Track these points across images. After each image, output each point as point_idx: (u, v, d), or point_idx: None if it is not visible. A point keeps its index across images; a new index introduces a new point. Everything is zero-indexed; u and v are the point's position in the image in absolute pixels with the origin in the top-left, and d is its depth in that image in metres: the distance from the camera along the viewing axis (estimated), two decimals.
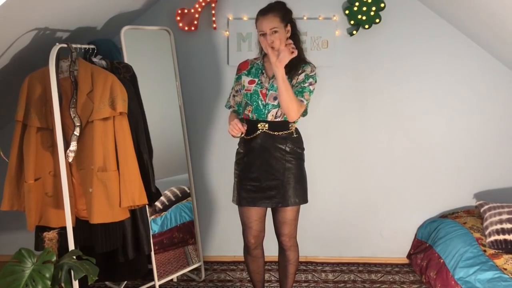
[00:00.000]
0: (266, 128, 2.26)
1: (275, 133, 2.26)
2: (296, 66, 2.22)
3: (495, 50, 3.01)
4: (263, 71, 2.30)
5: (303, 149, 2.36)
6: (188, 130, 3.09)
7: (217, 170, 3.30)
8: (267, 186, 2.28)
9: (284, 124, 2.26)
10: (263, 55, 2.33)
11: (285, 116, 2.23)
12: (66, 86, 2.28)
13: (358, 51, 3.10)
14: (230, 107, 2.48)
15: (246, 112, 2.31)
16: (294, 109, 2.15)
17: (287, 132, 2.27)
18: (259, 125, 2.26)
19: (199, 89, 3.16)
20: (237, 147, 2.40)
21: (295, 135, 2.30)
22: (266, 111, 2.24)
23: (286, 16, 2.20)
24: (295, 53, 2.12)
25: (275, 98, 2.22)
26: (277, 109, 2.23)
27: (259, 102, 2.26)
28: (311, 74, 2.23)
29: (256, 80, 2.29)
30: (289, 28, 2.21)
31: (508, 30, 2.60)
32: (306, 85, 2.22)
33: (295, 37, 2.24)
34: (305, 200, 2.35)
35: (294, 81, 2.22)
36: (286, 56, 2.08)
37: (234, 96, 2.42)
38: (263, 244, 2.48)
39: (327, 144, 3.22)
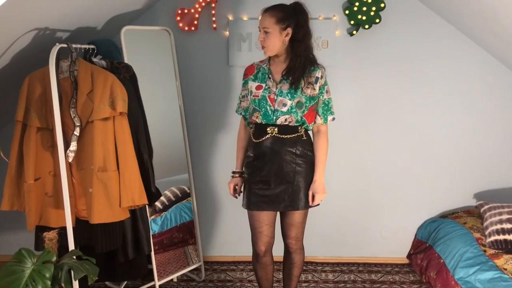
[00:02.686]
0: (276, 132, 2.22)
1: (285, 136, 2.22)
2: (304, 69, 2.18)
3: (495, 50, 3.01)
4: (270, 75, 2.25)
5: (313, 151, 2.30)
6: (188, 130, 3.08)
7: (217, 170, 3.30)
8: (277, 189, 2.24)
9: (294, 127, 2.22)
10: (269, 58, 2.29)
11: (295, 120, 2.21)
12: (66, 86, 2.28)
13: (358, 51, 3.10)
14: (241, 113, 2.40)
15: (253, 118, 2.26)
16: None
17: (297, 134, 2.23)
18: (268, 129, 2.22)
19: (199, 89, 3.16)
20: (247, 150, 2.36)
21: (304, 138, 2.26)
22: (275, 117, 2.20)
23: (285, 19, 2.12)
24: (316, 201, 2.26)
25: (284, 105, 2.18)
26: (287, 115, 2.19)
27: (268, 108, 2.20)
28: (324, 82, 2.22)
29: (264, 85, 2.24)
30: (288, 31, 2.14)
31: (508, 29, 2.60)
32: (326, 97, 2.24)
33: (301, 43, 2.16)
34: (317, 204, 2.32)
35: (309, 91, 2.18)
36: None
37: (242, 101, 2.38)
38: (272, 252, 2.41)
39: None
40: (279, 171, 2.23)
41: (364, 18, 2.96)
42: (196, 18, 3.01)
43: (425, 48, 3.08)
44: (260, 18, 2.19)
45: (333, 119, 2.28)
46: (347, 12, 2.99)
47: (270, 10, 2.15)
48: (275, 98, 2.20)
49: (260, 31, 2.18)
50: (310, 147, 2.29)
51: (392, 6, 3.00)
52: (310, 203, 2.26)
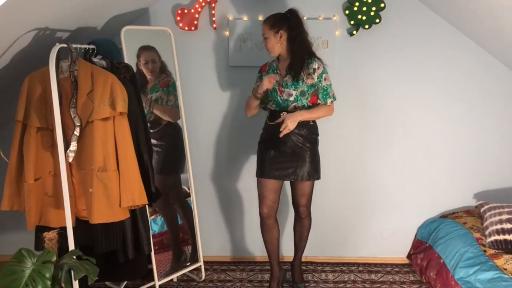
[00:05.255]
0: None
1: None
2: (302, 62, 2.58)
3: (495, 50, 3.01)
4: (277, 71, 2.69)
5: (317, 134, 2.74)
6: (188, 130, 3.08)
7: (217, 170, 3.30)
8: (285, 164, 2.65)
9: None
10: (277, 58, 2.70)
11: (302, 106, 2.62)
12: (66, 86, 2.28)
13: (358, 51, 3.10)
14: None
15: (268, 106, 2.72)
16: (329, 114, 2.69)
17: (305, 120, 2.61)
18: (281, 114, 2.61)
19: (199, 89, 3.16)
20: (262, 130, 2.79)
21: (311, 123, 2.68)
22: (286, 105, 2.63)
23: (277, 24, 2.56)
24: (290, 126, 2.53)
25: (290, 95, 2.61)
26: (295, 103, 2.62)
27: (278, 98, 2.64)
28: (321, 71, 2.61)
29: None
30: (281, 34, 2.56)
31: (508, 29, 2.60)
32: (324, 83, 2.62)
33: (295, 41, 2.58)
34: (318, 177, 2.74)
35: (309, 81, 2.59)
36: (290, 124, 2.52)
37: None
38: (276, 217, 2.79)
39: (326, 144, 3.22)
40: (288, 149, 2.65)
41: (364, 18, 2.97)
42: (196, 18, 3.02)
43: (425, 48, 3.09)
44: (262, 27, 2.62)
45: (332, 101, 2.66)
46: (347, 12, 2.99)
47: (265, 20, 2.61)
48: (283, 89, 2.62)
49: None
50: (315, 131, 2.72)
51: (392, 6, 3.00)
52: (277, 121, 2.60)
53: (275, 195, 2.75)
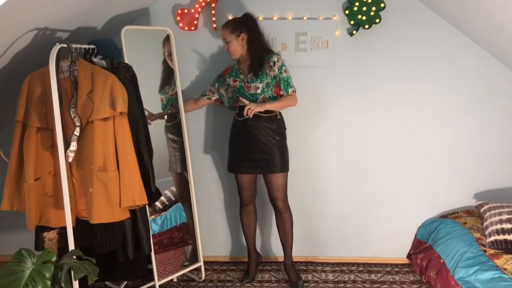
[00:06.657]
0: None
1: (263, 114, 2.77)
2: (262, 58, 2.76)
3: (495, 50, 3.01)
4: (240, 71, 2.87)
5: (285, 128, 2.89)
6: (188, 130, 3.08)
7: (217, 170, 3.30)
8: (257, 157, 2.81)
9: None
10: (238, 61, 2.88)
11: (268, 98, 2.78)
12: (66, 86, 2.28)
13: (358, 51, 3.10)
14: (202, 95, 3.04)
15: (238, 103, 2.84)
16: (292, 104, 2.83)
17: (273, 114, 2.80)
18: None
19: (199, 89, 3.16)
20: (231, 127, 2.92)
21: (279, 117, 2.85)
22: (254, 99, 2.79)
23: (237, 28, 2.74)
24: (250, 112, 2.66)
25: (257, 88, 2.79)
26: (262, 95, 2.79)
27: (246, 93, 2.81)
28: (281, 64, 2.79)
29: (238, 79, 2.85)
30: (242, 37, 2.75)
31: (508, 29, 2.60)
32: (285, 75, 2.81)
33: (253, 42, 2.76)
34: (287, 169, 2.87)
35: (271, 73, 2.77)
36: (255, 107, 2.66)
37: (211, 91, 3.01)
38: (255, 203, 3.04)
39: (327, 144, 3.23)
40: (259, 143, 2.79)
41: (364, 18, 2.97)
42: (196, 18, 3.02)
43: (425, 48, 3.08)
44: (221, 33, 2.78)
45: (293, 91, 2.82)
46: (347, 12, 2.99)
47: (225, 25, 2.77)
48: (249, 85, 2.79)
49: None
50: (283, 124, 2.88)
51: (392, 6, 3.00)
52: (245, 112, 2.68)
53: (252, 185, 2.96)
